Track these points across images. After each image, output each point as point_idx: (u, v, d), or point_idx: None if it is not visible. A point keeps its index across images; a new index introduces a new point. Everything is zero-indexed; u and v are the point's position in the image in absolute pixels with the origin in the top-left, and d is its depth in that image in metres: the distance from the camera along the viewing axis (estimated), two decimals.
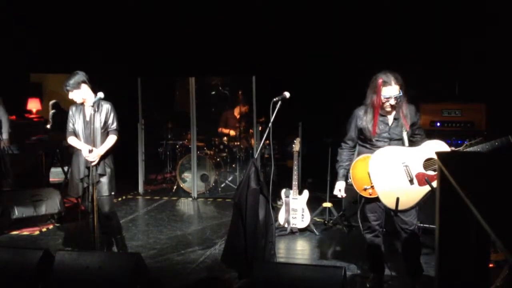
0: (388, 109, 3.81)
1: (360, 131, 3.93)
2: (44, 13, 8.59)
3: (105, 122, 4.51)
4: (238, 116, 8.21)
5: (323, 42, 7.96)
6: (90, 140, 4.43)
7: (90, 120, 4.46)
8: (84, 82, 4.51)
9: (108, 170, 4.55)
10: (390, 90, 3.72)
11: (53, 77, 11.52)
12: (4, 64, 8.63)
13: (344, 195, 4.08)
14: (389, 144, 3.84)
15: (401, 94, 3.74)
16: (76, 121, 4.54)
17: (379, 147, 3.85)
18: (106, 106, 4.52)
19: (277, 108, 4.00)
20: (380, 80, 3.73)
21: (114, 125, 4.55)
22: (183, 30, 8.75)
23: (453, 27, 6.76)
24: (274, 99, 4.03)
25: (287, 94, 4.05)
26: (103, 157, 4.49)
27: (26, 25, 8.68)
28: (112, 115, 4.53)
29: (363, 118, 3.88)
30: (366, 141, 3.92)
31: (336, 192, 4.06)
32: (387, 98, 3.73)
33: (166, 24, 8.75)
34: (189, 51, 8.80)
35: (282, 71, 7.97)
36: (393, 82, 3.71)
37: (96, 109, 4.44)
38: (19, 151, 7.25)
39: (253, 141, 7.95)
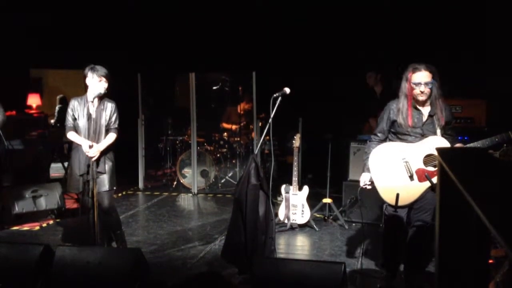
0: (420, 98, 3.70)
1: (393, 124, 3.85)
2: (44, 8, 8.57)
3: (109, 119, 4.55)
4: (241, 113, 8.22)
5: (324, 38, 7.95)
6: (93, 136, 4.45)
7: (96, 116, 4.48)
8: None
9: (108, 165, 4.57)
10: (420, 76, 3.67)
11: (53, 72, 11.50)
12: (4, 59, 8.61)
13: (369, 186, 3.94)
14: (421, 140, 3.76)
15: (433, 81, 3.67)
16: (78, 116, 4.54)
17: (410, 142, 3.78)
18: (110, 105, 4.58)
19: (277, 104, 4.01)
20: (411, 68, 3.70)
21: (116, 124, 4.62)
22: (184, 26, 8.74)
23: (453, 25, 6.75)
24: (274, 95, 4.03)
25: (287, 90, 4.05)
26: (103, 153, 4.50)
27: (26, 20, 8.66)
28: (115, 114, 4.61)
29: (397, 110, 3.80)
30: (397, 135, 3.85)
31: (362, 184, 3.94)
32: (416, 84, 3.67)
33: (166, 20, 8.74)
34: (190, 47, 8.79)
35: (282, 67, 7.96)
36: (423, 69, 3.67)
37: (102, 107, 4.49)
38: (19, 147, 7.24)
39: (253, 135, 7.93)
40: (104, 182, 4.54)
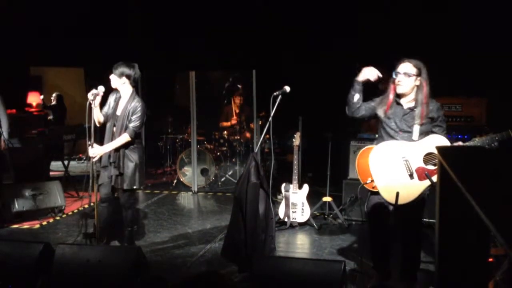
0: (398, 88, 3.72)
1: (378, 120, 3.88)
2: (43, 6, 8.56)
3: (128, 117, 4.51)
4: (237, 110, 8.23)
5: (324, 36, 7.94)
6: (111, 131, 4.54)
7: (120, 113, 4.52)
8: (127, 76, 4.59)
9: (127, 165, 4.55)
10: (402, 66, 3.73)
11: (53, 70, 11.50)
12: (4, 57, 8.60)
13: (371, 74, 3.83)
14: (398, 135, 3.76)
15: (413, 73, 3.69)
16: (109, 106, 4.62)
17: (390, 136, 3.79)
18: (134, 104, 4.52)
19: (277, 102, 4.01)
20: (401, 60, 3.77)
21: (132, 124, 4.48)
22: (184, 24, 8.73)
23: (453, 23, 6.74)
24: (274, 93, 4.03)
25: (287, 88, 4.05)
26: (123, 153, 4.53)
27: (26, 18, 8.65)
28: (136, 114, 4.49)
29: (380, 100, 3.85)
30: (382, 130, 3.86)
31: (366, 74, 3.84)
32: (396, 73, 3.72)
33: (166, 18, 8.73)
34: (190, 45, 8.78)
35: (282, 65, 7.95)
36: (407, 61, 3.72)
37: (129, 106, 4.51)
38: (19, 145, 7.24)
39: (250, 135, 7.94)
40: (124, 180, 4.56)
